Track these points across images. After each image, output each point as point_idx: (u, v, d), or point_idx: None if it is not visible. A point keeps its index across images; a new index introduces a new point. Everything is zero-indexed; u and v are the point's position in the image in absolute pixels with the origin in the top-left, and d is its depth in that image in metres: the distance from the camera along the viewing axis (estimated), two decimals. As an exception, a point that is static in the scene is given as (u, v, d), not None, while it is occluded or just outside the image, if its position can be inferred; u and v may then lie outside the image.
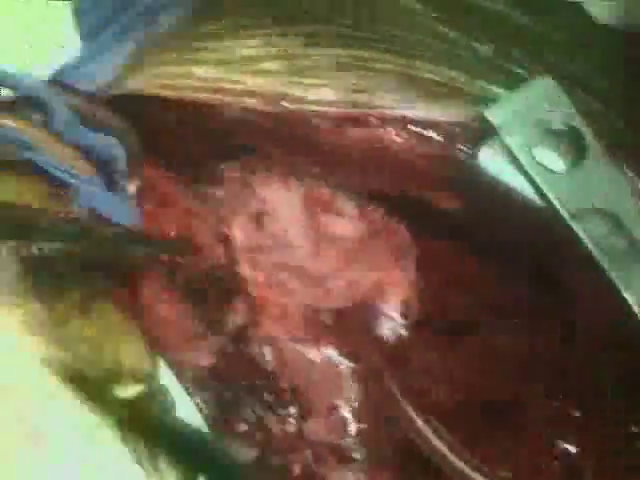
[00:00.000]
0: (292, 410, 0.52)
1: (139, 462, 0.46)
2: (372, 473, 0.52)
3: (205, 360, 0.53)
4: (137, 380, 0.50)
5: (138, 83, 0.50)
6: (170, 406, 0.53)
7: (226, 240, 0.52)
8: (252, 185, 0.52)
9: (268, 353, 0.52)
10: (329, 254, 0.52)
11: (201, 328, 0.53)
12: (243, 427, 0.53)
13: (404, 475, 0.52)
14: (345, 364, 0.53)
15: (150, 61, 0.50)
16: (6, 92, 0.46)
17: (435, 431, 0.49)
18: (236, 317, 0.52)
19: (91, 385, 0.47)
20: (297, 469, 0.52)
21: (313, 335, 0.52)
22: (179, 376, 0.51)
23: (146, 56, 0.50)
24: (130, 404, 0.49)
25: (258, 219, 0.52)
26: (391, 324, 0.53)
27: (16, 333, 0.46)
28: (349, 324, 0.53)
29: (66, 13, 0.47)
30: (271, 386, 0.52)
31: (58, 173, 0.48)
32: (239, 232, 0.52)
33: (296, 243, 0.52)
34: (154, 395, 0.51)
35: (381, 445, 0.52)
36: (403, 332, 0.53)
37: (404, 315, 0.53)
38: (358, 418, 0.52)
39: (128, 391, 0.49)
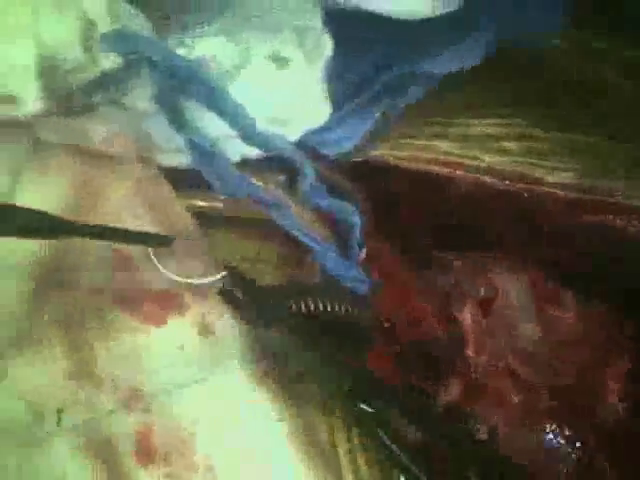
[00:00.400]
0: None
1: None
2: None
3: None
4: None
5: (382, 151, 0.50)
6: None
7: (453, 320, 0.51)
8: (480, 271, 0.51)
9: (483, 430, 0.51)
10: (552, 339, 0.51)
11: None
12: None
13: None
14: (562, 449, 0.51)
15: (395, 130, 0.50)
16: (256, 152, 0.45)
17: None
18: (450, 394, 0.51)
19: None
20: None
21: (531, 418, 0.51)
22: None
23: (392, 125, 0.50)
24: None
25: (487, 304, 0.51)
26: (611, 408, 0.52)
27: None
28: (569, 408, 0.52)
29: (319, 77, 0.46)
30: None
31: (300, 236, 0.46)
32: (468, 315, 0.51)
33: (523, 328, 0.51)
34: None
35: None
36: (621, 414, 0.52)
37: (621, 399, 0.52)
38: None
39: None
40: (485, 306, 0.51)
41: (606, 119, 0.52)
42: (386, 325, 0.51)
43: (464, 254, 0.52)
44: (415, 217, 0.52)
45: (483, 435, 0.50)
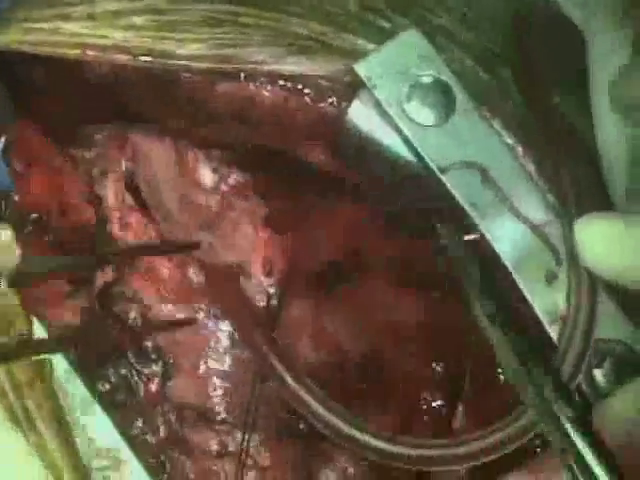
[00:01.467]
0: (155, 369, 0.53)
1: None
2: (239, 434, 0.53)
3: (72, 318, 0.53)
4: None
5: (5, 40, 0.49)
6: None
7: (97, 200, 0.52)
8: (124, 146, 0.51)
9: (133, 312, 0.53)
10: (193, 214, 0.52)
11: (69, 287, 0.53)
12: (106, 386, 0.53)
13: (273, 435, 0.53)
14: (214, 324, 0.53)
15: (18, 17, 0.49)
16: None
17: (306, 388, 0.50)
18: (104, 275, 0.52)
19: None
20: (162, 431, 0.53)
21: (183, 296, 0.53)
22: (50, 333, 0.51)
23: (14, 13, 0.49)
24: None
25: (130, 179, 0.52)
26: (257, 283, 0.54)
27: None
28: (219, 285, 0.53)
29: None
30: (135, 345, 0.53)
31: None
32: (110, 192, 0.52)
33: (166, 203, 0.52)
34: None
35: (249, 406, 0.53)
36: (271, 290, 0.54)
37: (267, 273, 0.54)
38: (224, 379, 0.53)
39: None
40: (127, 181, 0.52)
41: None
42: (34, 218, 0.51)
43: (106, 126, 0.52)
44: (57, 104, 0.52)
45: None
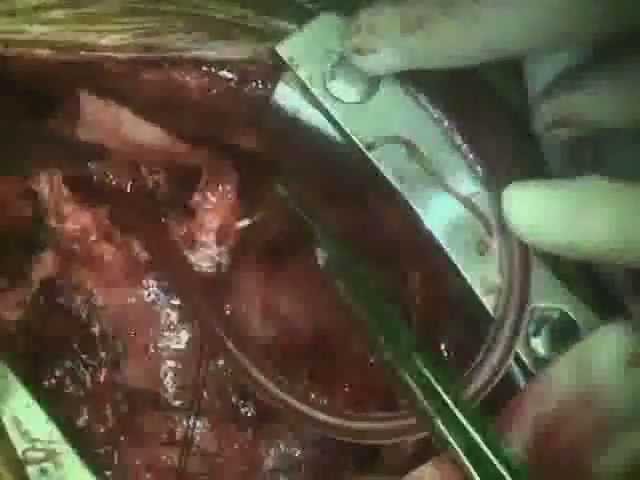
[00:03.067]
0: (103, 356, 0.53)
1: None
2: (191, 420, 0.53)
3: (12, 314, 0.53)
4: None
5: None
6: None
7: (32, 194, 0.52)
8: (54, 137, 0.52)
9: (78, 301, 0.53)
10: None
11: (5, 281, 0.53)
12: (52, 381, 0.53)
13: (218, 420, 0.53)
14: (163, 301, 0.53)
15: None
16: None
17: (256, 364, 0.49)
18: (43, 269, 0.52)
19: None
20: (112, 420, 0.53)
21: (131, 277, 0.53)
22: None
23: None
24: None
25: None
26: (208, 253, 0.53)
27: None
28: (167, 259, 0.53)
29: None
30: (80, 335, 0.53)
31: None
32: (46, 185, 0.52)
33: None
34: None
35: (196, 386, 0.53)
36: (223, 261, 0.54)
37: (219, 242, 0.54)
38: (174, 359, 0.53)
39: None
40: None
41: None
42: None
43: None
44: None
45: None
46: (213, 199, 0.54)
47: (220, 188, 0.54)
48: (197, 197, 0.54)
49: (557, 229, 0.43)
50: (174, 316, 0.54)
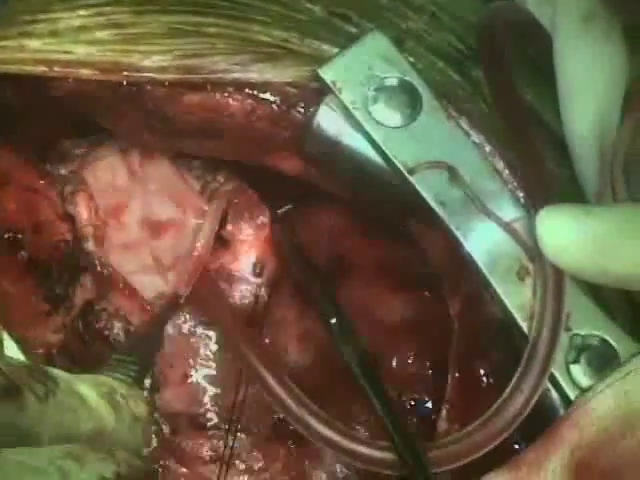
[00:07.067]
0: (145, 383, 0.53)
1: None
2: (229, 438, 0.53)
3: (55, 336, 0.53)
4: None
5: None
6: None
7: (71, 218, 0.52)
8: (92, 162, 0.52)
9: (116, 328, 0.53)
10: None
11: (47, 305, 0.53)
12: None
13: (263, 437, 0.53)
14: (199, 332, 0.53)
15: None
16: None
17: (286, 389, 0.49)
18: (84, 293, 0.52)
19: None
20: (154, 442, 0.53)
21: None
22: (27, 354, 0.51)
23: None
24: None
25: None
26: (246, 286, 0.54)
27: None
28: (204, 292, 0.53)
29: None
30: None
31: None
32: (82, 209, 0.52)
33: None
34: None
35: (238, 410, 0.53)
36: (260, 293, 0.54)
37: (258, 274, 0.54)
38: (213, 384, 0.53)
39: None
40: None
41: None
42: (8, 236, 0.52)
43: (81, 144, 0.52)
44: (28, 122, 0.52)
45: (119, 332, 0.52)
46: (250, 230, 0.54)
47: (254, 219, 0.54)
48: (230, 228, 0.55)
49: (588, 254, 0.42)
50: (211, 344, 0.54)
